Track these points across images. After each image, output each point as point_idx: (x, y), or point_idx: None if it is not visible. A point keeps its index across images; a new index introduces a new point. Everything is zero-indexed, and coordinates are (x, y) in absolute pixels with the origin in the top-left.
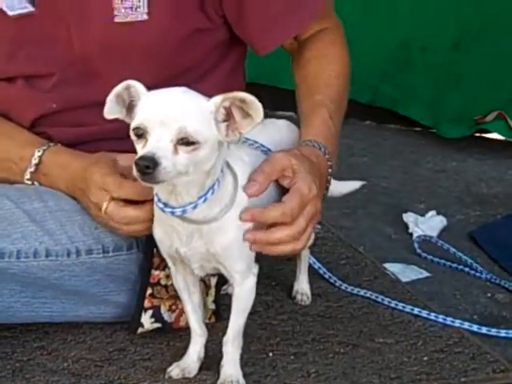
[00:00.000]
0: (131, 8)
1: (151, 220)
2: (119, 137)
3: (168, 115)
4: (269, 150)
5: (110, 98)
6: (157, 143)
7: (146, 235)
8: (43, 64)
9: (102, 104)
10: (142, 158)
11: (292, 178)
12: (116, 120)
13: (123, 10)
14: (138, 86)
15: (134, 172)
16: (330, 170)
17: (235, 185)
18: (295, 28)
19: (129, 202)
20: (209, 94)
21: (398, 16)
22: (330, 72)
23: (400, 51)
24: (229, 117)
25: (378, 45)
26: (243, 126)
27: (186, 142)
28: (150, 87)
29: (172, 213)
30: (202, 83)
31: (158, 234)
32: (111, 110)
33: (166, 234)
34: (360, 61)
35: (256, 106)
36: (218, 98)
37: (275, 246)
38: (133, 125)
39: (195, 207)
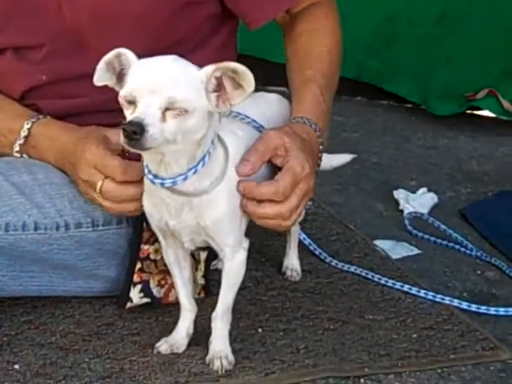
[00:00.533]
0: None
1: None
2: (109, 109)
3: (157, 82)
4: (261, 126)
5: (100, 66)
6: (145, 109)
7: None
8: (33, 35)
9: (92, 76)
10: (130, 123)
11: (284, 156)
12: (106, 92)
13: None
14: (128, 54)
15: (121, 138)
16: (321, 147)
17: (226, 158)
18: (287, 1)
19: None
20: (201, 66)
21: None
22: (322, 47)
23: (386, 25)
24: (220, 87)
25: (363, 18)
26: (234, 97)
27: (174, 109)
28: (140, 58)
29: (162, 184)
30: (193, 56)
31: (148, 206)
32: (101, 77)
33: (156, 207)
34: (345, 35)
35: (248, 77)
36: (209, 68)
37: (264, 220)
38: (122, 92)
39: (185, 179)
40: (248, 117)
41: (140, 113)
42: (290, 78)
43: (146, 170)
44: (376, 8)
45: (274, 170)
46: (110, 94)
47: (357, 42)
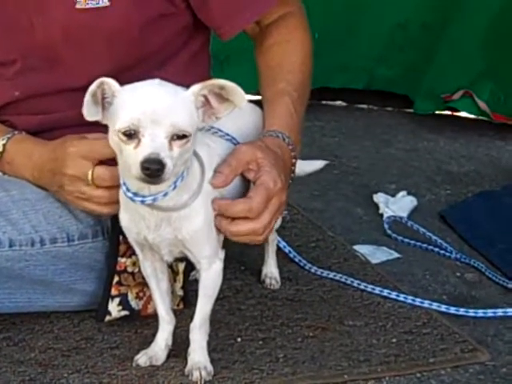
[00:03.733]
0: None
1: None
2: (83, 123)
3: (156, 112)
4: (233, 138)
5: (87, 99)
6: (154, 142)
7: (111, 221)
8: (5, 51)
9: (66, 91)
10: (150, 160)
11: (257, 171)
12: (79, 106)
13: None
14: (111, 83)
15: (139, 174)
16: (293, 160)
17: (202, 171)
18: (258, 12)
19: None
20: (174, 77)
21: None
22: (294, 58)
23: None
24: (205, 102)
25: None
26: (221, 111)
27: (178, 136)
28: (113, 72)
29: (142, 201)
30: (165, 67)
31: (125, 221)
32: (90, 112)
33: (134, 222)
34: (356, 46)
35: (238, 92)
36: (196, 88)
37: (237, 237)
38: (120, 126)
39: (165, 195)
40: (221, 130)
41: (153, 147)
42: (262, 90)
43: (124, 188)
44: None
45: (246, 182)
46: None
47: (367, 52)
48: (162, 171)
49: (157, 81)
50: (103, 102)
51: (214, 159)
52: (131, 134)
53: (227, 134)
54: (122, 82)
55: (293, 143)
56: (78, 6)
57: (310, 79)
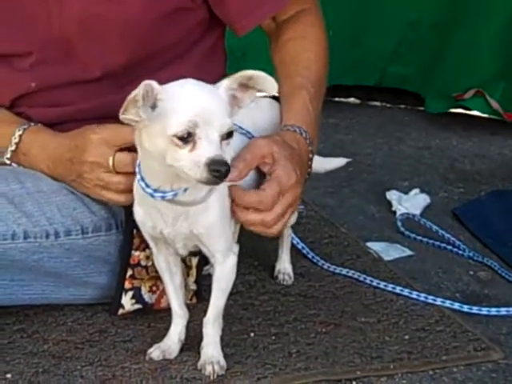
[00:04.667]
0: None
1: None
2: (98, 116)
3: (209, 113)
4: (248, 132)
5: (141, 103)
6: (213, 144)
7: (125, 214)
8: (21, 43)
9: (79, 83)
10: (217, 162)
11: (272, 165)
12: (94, 99)
13: None
14: (153, 85)
15: (204, 177)
16: (310, 155)
17: None
18: (274, 7)
19: None
20: (189, 73)
21: None
22: (310, 54)
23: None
24: (234, 96)
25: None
26: (245, 100)
27: (225, 136)
28: (127, 65)
29: (162, 197)
30: (182, 61)
31: (140, 215)
32: (144, 119)
33: (150, 216)
34: (368, 43)
35: (268, 79)
36: (227, 83)
37: (249, 226)
38: (176, 130)
39: (185, 190)
40: (236, 124)
41: (215, 149)
42: (279, 85)
43: (143, 184)
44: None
45: (262, 175)
46: (96, 101)
47: (380, 50)
48: (229, 171)
49: (191, 80)
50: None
51: (230, 154)
52: (186, 138)
53: (242, 128)
54: (136, 76)
55: (310, 138)
56: None
57: (326, 76)
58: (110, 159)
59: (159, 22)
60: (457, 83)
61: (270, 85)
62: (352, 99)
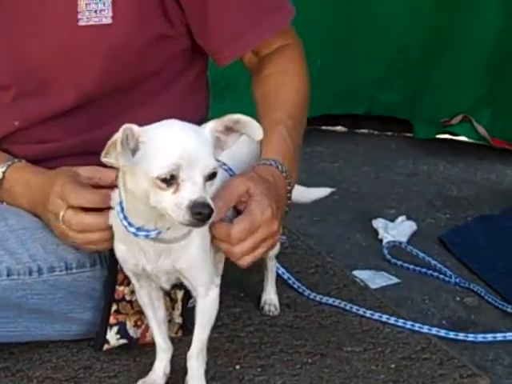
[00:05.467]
0: (95, 11)
1: (110, 230)
2: (82, 151)
3: (192, 155)
4: (230, 168)
5: (120, 149)
6: (196, 186)
7: (107, 249)
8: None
9: (60, 116)
10: (200, 205)
11: (247, 200)
12: (78, 135)
13: (87, 13)
14: (133, 128)
15: (187, 219)
16: (288, 187)
17: None
18: (256, 39)
19: (88, 210)
20: (173, 104)
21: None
22: (290, 89)
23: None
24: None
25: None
26: (228, 142)
27: (209, 177)
28: (112, 94)
29: (146, 236)
30: (165, 92)
31: (122, 252)
32: (127, 161)
33: (132, 253)
34: (356, 71)
35: (254, 125)
36: (213, 124)
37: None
38: (159, 173)
39: (169, 228)
40: (218, 160)
41: (197, 192)
42: (259, 120)
43: (126, 223)
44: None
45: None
46: (82, 137)
47: (366, 77)
48: (212, 213)
49: (175, 121)
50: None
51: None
52: (169, 180)
53: (224, 164)
54: (119, 105)
55: (287, 170)
56: (80, 23)
57: (307, 108)
58: (61, 214)
59: (142, 49)
60: (444, 109)
61: (256, 130)
62: (339, 127)
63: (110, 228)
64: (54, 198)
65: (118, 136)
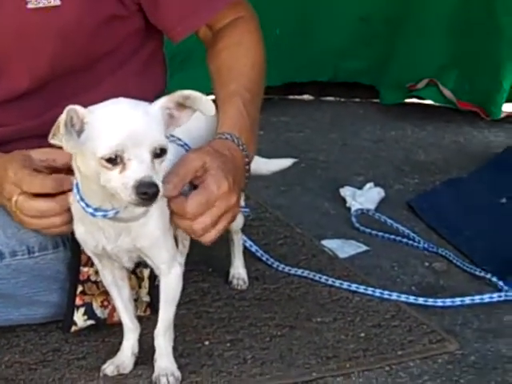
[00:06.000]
0: None
1: (65, 214)
2: (38, 134)
3: (137, 133)
4: (186, 144)
5: (63, 131)
6: (142, 165)
7: (66, 233)
8: None
9: (17, 100)
10: (145, 184)
11: (202, 175)
12: (33, 118)
13: None
14: (77, 109)
15: (133, 199)
16: (246, 160)
17: None
18: (208, 14)
19: (42, 196)
20: (129, 83)
21: None
22: (245, 61)
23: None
24: (170, 114)
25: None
26: (182, 118)
27: (158, 154)
28: (66, 75)
29: (104, 216)
30: (120, 71)
31: (81, 233)
32: (70, 144)
33: (91, 234)
34: (318, 39)
35: (204, 101)
36: (163, 101)
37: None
38: (103, 153)
39: (126, 207)
40: (173, 135)
41: (144, 171)
42: (215, 94)
43: (83, 204)
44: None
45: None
46: (37, 119)
47: (331, 46)
48: (158, 193)
49: (122, 100)
50: (71, 129)
51: (164, 164)
52: (114, 160)
53: (179, 139)
54: (74, 87)
55: (243, 143)
56: (29, 6)
57: (263, 79)
58: (13, 200)
59: (94, 30)
60: (410, 73)
61: (207, 106)
62: (306, 96)
63: (65, 212)
64: (7, 184)
65: (61, 118)
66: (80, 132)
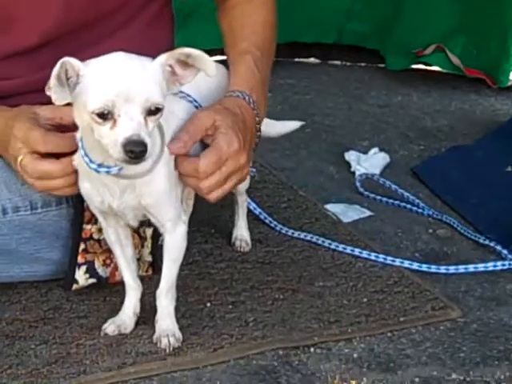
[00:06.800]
0: None
1: (69, 176)
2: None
3: (130, 89)
4: (195, 100)
5: (53, 83)
6: (132, 122)
7: (71, 195)
8: None
9: (24, 53)
10: (132, 142)
11: (213, 134)
12: (41, 71)
13: None
14: (73, 62)
15: (121, 156)
16: (257, 119)
17: (162, 136)
18: None
19: (47, 156)
20: (135, 39)
21: None
22: (256, 18)
23: None
24: (171, 72)
25: None
26: (185, 77)
27: (151, 111)
28: (77, 29)
29: (107, 172)
30: (124, 30)
31: (86, 190)
32: (60, 96)
33: (96, 191)
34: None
35: (206, 60)
36: (162, 58)
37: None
38: (93, 107)
39: (116, 164)
40: (182, 92)
41: (132, 128)
42: (226, 52)
43: (87, 159)
44: None
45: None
46: (45, 72)
47: (336, 7)
48: (145, 152)
49: (121, 54)
50: (68, 82)
51: (173, 122)
52: (105, 115)
53: (189, 96)
54: (80, 44)
55: (255, 101)
56: None
57: (275, 38)
58: (18, 159)
59: None
60: (417, 39)
61: (209, 65)
62: (312, 59)
63: (70, 174)
64: (14, 142)
65: (54, 70)
66: (76, 85)
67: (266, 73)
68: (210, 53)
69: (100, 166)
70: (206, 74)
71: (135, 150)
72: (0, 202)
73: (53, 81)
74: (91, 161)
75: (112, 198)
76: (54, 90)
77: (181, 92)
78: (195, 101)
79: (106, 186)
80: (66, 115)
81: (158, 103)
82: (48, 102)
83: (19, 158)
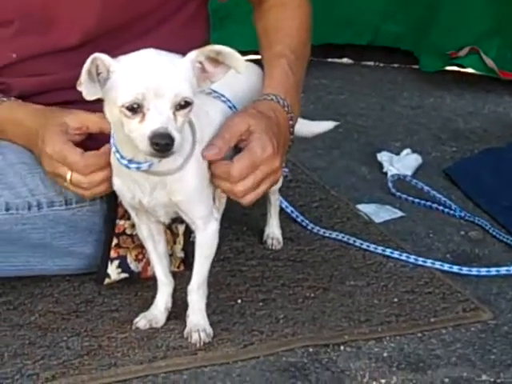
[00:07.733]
0: None
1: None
2: None
3: (159, 83)
4: (228, 100)
5: (84, 79)
6: (160, 116)
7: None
8: (2, 11)
9: (60, 51)
10: (159, 135)
11: (247, 138)
12: (75, 68)
13: None
14: (104, 58)
15: (148, 150)
16: (290, 122)
17: (193, 134)
18: None
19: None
20: (170, 39)
21: None
22: (291, 22)
23: None
24: (201, 68)
25: None
26: (216, 75)
27: (181, 105)
28: (108, 31)
29: (138, 168)
30: (160, 29)
31: (118, 185)
32: (90, 92)
33: (128, 187)
34: (359, 1)
35: (236, 57)
36: (193, 54)
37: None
38: (123, 101)
39: (160, 160)
40: (215, 91)
41: (160, 121)
42: (261, 54)
43: (118, 155)
44: None
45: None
46: (78, 70)
47: (371, 8)
48: (171, 145)
49: (152, 50)
50: (98, 78)
51: (205, 121)
52: (135, 109)
53: (223, 96)
54: (117, 43)
55: (288, 105)
56: None
57: (309, 42)
58: (68, 177)
59: None
60: (451, 41)
61: (239, 63)
62: (345, 59)
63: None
64: (49, 160)
65: (85, 65)
66: (106, 80)
67: (300, 76)
68: (246, 54)
69: (130, 161)
70: (235, 72)
71: (160, 143)
72: (35, 196)
73: (84, 76)
74: (122, 157)
75: (142, 194)
76: (84, 86)
77: (214, 92)
78: (229, 101)
79: (136, 183)
80: (92, 123)
81: (187, 97)
82: (80, 99)
83: (68, 176)
